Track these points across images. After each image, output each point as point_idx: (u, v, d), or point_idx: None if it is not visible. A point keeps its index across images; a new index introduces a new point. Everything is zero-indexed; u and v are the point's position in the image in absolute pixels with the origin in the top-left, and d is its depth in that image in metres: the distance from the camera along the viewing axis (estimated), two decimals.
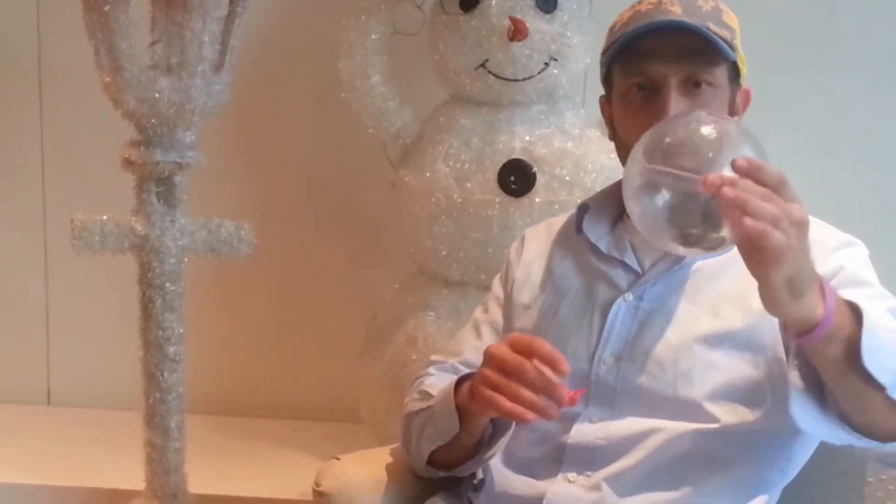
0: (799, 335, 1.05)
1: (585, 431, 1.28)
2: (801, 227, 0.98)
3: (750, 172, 0.97)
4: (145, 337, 1.80)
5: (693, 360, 1.25)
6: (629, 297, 1.31)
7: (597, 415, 1.28)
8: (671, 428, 1.24)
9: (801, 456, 1.29)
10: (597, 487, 1.25)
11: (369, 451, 1.51)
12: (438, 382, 1.39)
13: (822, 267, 1.22)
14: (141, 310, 1.79)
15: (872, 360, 1.04)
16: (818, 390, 1.11)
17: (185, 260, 1.80)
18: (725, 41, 1.26)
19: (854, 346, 1.03)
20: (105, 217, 1.74)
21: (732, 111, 1.32)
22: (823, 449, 1.29)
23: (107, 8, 1.63)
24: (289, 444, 2.31)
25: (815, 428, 1.13)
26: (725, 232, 1.04)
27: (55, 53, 2.36)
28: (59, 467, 2.18)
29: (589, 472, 1.27)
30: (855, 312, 1.05)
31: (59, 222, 2.12)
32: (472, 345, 1.45)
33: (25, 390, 2.51)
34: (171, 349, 1.80)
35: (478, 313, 1.50)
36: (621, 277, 1.34)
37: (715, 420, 1.24)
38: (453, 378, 1.32)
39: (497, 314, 1.46)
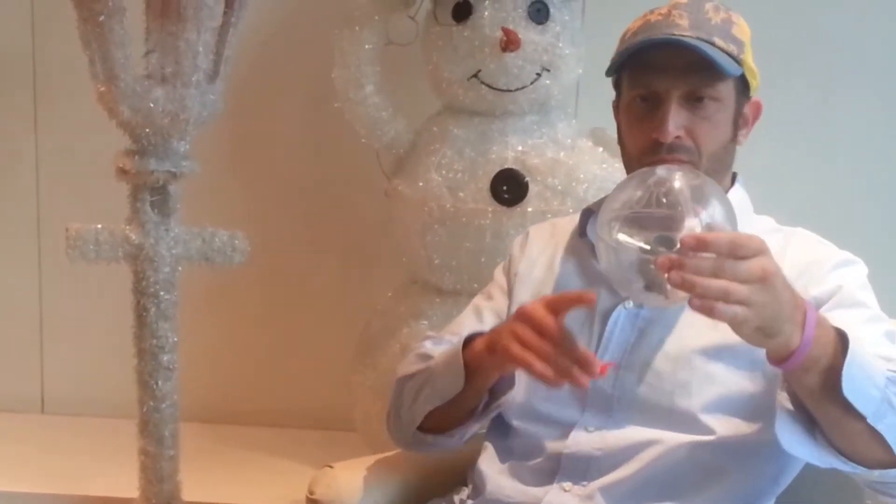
0: (773, 362, 1.06)
1: (582, 441, 1.28)
2: (764, 281, 0.98)
3: (699, 248, 0.98)
4: (139, 345, 1.80)
5: (691, 372, 1.26)
6: (629, 304, 1.31)
7: (593, 423, 1.28)
8: (668, 440, 1.25)
9: (795, 466, 1.30)
10: (591, 497, 1.25)
11: (362, 459, 1.51)
12: (436, 349, 1.39)
13: (820, 286, 1.24)
14: (135, 318, 1.79)
15: (853, 389, 1.04)
16: (807, 413, 1.12)
17: (180, 269, 1.80)
18: (732, 55, 1.27)
19: (836, 375, 1.04)
20: (99, 226, 1.74)
21: (739, 124, 1.32)
22: None
23: (102, 18, 1.64)
24: (282, 453, 2.31)
25: (798, 450, 1.14)
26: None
27: (50, 63, 2.37)
28: (53, 475, 2.17)
29: (585, 482, 1.27)
30: (843, 341, 1.06)
31: (53, 231, 2.11)
32: (473, 327, 1.43)
33: (19, 398, 2.50)
34: (165, 357, 1.80)
35: (479, 300, 1.50)
36: None
37: (711, 432, 1.24)
38: (461, 336, 1.31)
39: (502, 302, 1.45)
